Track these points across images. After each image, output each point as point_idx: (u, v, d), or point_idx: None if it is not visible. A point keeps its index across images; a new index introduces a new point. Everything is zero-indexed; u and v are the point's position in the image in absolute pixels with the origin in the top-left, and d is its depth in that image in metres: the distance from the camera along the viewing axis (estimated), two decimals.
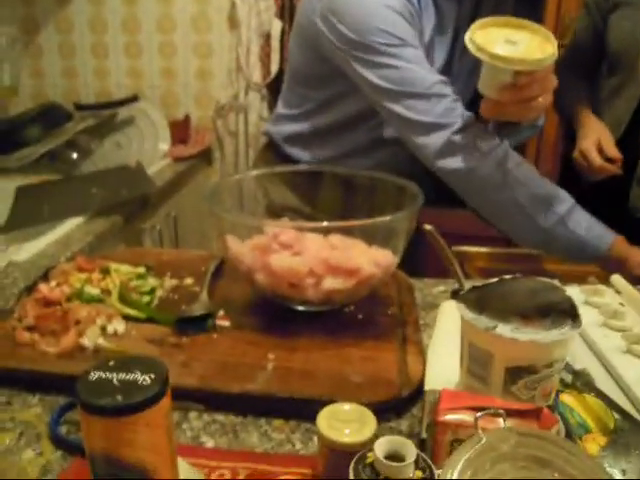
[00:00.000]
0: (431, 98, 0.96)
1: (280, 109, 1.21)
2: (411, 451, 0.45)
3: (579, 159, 1.27)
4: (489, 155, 0.96)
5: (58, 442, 0.63)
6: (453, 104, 0.98)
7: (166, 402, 0.47)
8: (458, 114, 0.97)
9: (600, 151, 1.23)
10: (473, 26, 0.87)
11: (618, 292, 0.89)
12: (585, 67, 1.43)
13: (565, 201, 0.99)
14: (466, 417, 0.49)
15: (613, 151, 1.22)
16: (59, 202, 1.37)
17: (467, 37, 0.86)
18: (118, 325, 0.79)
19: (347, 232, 0.82)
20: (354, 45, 0.96)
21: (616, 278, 0.90)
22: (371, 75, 0.97)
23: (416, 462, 0.45)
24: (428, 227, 0.64)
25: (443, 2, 1.04)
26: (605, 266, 0.99)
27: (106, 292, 0.85)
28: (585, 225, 0.99)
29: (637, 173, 1.28)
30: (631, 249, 0.98)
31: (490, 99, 0.90)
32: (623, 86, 1.30)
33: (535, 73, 0.85)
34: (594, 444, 0.59)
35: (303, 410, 0.65)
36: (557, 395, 0.63)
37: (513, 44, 0.83)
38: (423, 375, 0.70)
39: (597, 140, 1.24)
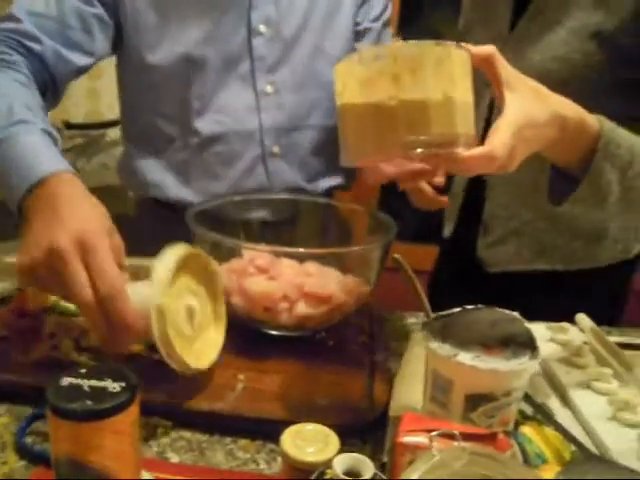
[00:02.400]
0: None
1: None
2: (368, 468, 0.46)
3: None
4: None
5: (23, 451, 0.63)
6: None
7: (134, 410, 0.48)
8: None
9: None
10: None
11: (582, 331, 0.92)
12: None
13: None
14: (425, 440, 0.50)
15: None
16: None
17: None
18: (92, 339, 0.80)
19: (322, 260, 0.84)
20: None
21: (581, 317, 0.93)
22: None
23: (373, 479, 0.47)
24: (397, 256, 0.66)
25: None
26: None
27: None
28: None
29: (483, 219, 1.05)
30: None
31: None
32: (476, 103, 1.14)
33: None
34: (550, 473, 0.61)
35: (269, 431, 0.66)
36: (517, 426, 0.65)
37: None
38: (389, 402, 0.71)
39: None
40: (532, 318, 0.84)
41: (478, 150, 0.62)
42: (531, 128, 0.65)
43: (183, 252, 0.71)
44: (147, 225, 1.14)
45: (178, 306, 0.70)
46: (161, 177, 1.07)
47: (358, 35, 1.11)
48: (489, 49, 0.65)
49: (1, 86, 0.82)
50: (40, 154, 0.73)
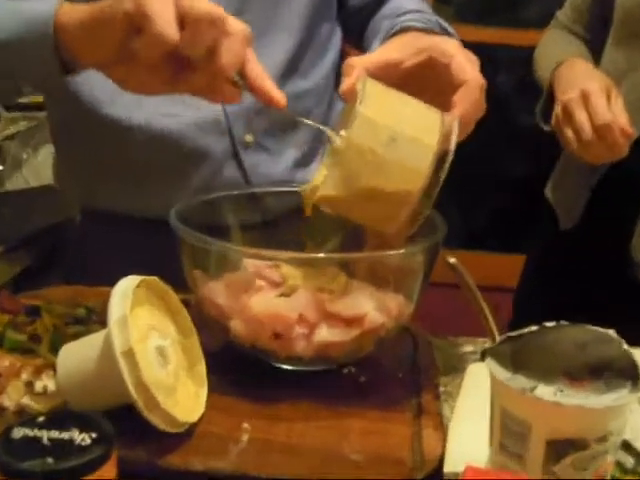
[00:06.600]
0: None
1: None
2: None
3: (559, 115, 1.06)
4: None
5: None
6: None
7: (110, 469, 0.48)
8: None
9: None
10: None
11: None
12: (586, 30, 1.31)
13: None
14: None
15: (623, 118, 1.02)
16: None
17: None
18: (49, 381, 0.80)
19: (349, 270, 0.84)
20: None
21: None
22: None
23: None
24: (453, 260, 0.66)
25: None
26: None
27: (35, 338, 0.87)
28: None
29: None
30: None
31: None
32: (634, 68, 1.17)
33: None
34: None
35: None
36: None
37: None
38: (443, 454, 0.71)
39: (606, 87, 1.04)
40: None
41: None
42: None
43: (137, 283, 0.73)
44: (94, 238, 1.17)
45: (146, 349, 0.71)
46: (104, 184, 1.10)
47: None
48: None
49: None
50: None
